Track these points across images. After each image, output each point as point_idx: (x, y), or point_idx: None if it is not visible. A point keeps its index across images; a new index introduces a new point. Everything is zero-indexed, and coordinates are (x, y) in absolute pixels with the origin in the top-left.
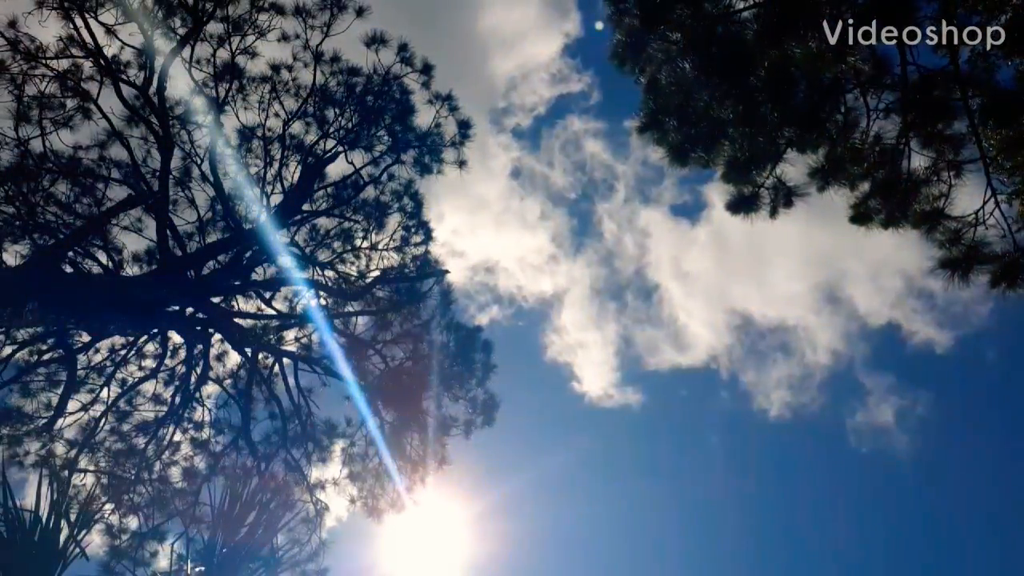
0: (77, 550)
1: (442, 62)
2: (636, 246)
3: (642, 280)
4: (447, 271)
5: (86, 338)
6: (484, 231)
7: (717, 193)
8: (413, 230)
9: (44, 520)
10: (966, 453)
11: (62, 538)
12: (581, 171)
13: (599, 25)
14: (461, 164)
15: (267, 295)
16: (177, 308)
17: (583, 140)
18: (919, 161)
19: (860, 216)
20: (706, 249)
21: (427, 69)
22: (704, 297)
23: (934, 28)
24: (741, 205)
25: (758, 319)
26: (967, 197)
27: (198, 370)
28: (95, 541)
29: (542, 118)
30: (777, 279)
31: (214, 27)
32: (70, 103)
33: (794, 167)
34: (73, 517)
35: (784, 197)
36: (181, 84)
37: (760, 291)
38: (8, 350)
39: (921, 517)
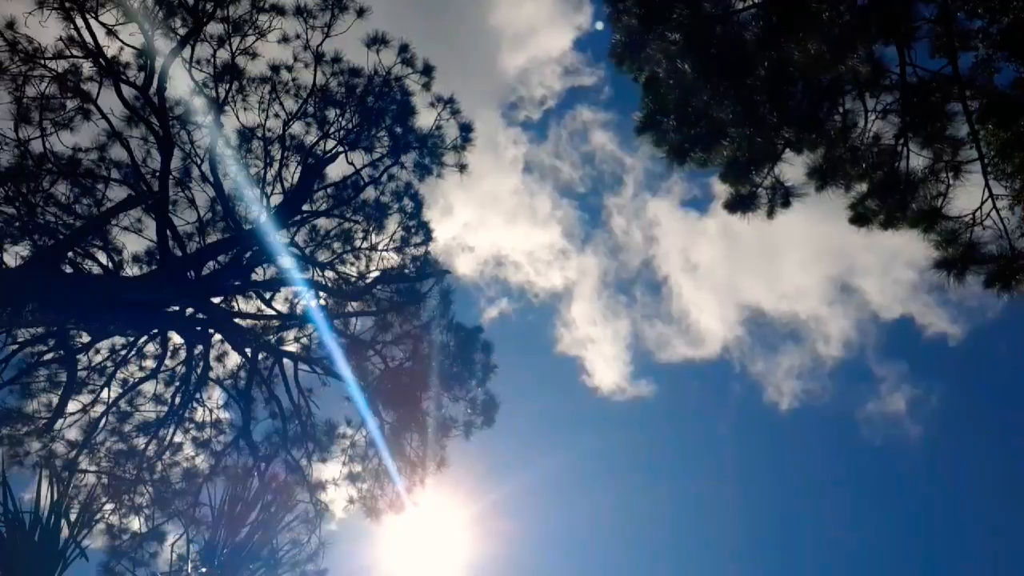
0: (77, 550)
1: (452, 55)
2: (646, 239)
3: (653, 273)
4: (447, 271)
5: (86, 338)
6: (494, 225)
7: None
8: (413, 231)
9: (44, 520)
10: (979, 448)
11: (62, 538)
12: (591, 164)
13: (599, 25)
14: (462, 168)
15: (267, 295)
16: (177, 308)
17: (594, 133)
18: (917, 162)
19: (859, 216)
20: (717, 241)
21: (428, 70)
22: (715, 289)
23: (933, 30)
24: (739, 204)
25: (770, 312)
26: (965, 197)
27: (198, 370)
28: (95, 542)
29: (552, 111)
30: (789, 271)
31: (214, 27)
32: (70, 104)
33: (793, 167)
34: (73, 517)
35: (782, 197)
36: (181, 84)
37: (772, 284)
38: (8, 350)
39: (931, 508)
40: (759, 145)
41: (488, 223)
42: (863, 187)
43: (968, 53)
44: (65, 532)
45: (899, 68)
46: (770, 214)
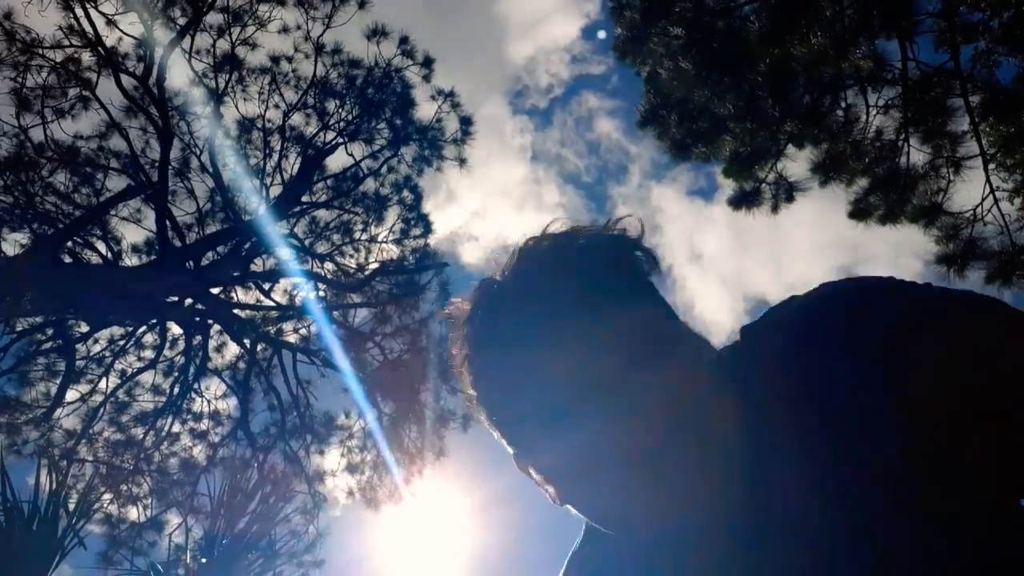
0: (75, 540)
1: (459, 44)
2: (651, 228)
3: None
4: (446, 264)
5: (85, 328)
6: (501, 213)
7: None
8: (412, 223)
9: (42, 510)
10: None
11: (60, 527)
12: (597, 153)
13: (601, 33)
14: (462, 162)
15: (266, 286)
16: (176, 299)
17: (601, 121)
18: (918, 157)
19: (860, 211)
20: (722, 230)
21: (428, 62)
22: (721, 279)
23: (936, 24)
24: (743, 200)
25: (777, 302)
26: (965, 193)
27: (197, 361)
28: (93, 531)
29: (559, 100)
30: (796, 261)
31: (214, 17)
32: (70, 92)
33: (795, 162)
34: (72, 507)
35: (785, 192)
36: (180, 74)
37: (779, 274)
38: (7, 339)
39: None
40: (761, 140)
41: (495, 211)
42: (865, 182)
43: (970, 46)
44: (63, 521)
45: (901, 63)
46: (774, 209)
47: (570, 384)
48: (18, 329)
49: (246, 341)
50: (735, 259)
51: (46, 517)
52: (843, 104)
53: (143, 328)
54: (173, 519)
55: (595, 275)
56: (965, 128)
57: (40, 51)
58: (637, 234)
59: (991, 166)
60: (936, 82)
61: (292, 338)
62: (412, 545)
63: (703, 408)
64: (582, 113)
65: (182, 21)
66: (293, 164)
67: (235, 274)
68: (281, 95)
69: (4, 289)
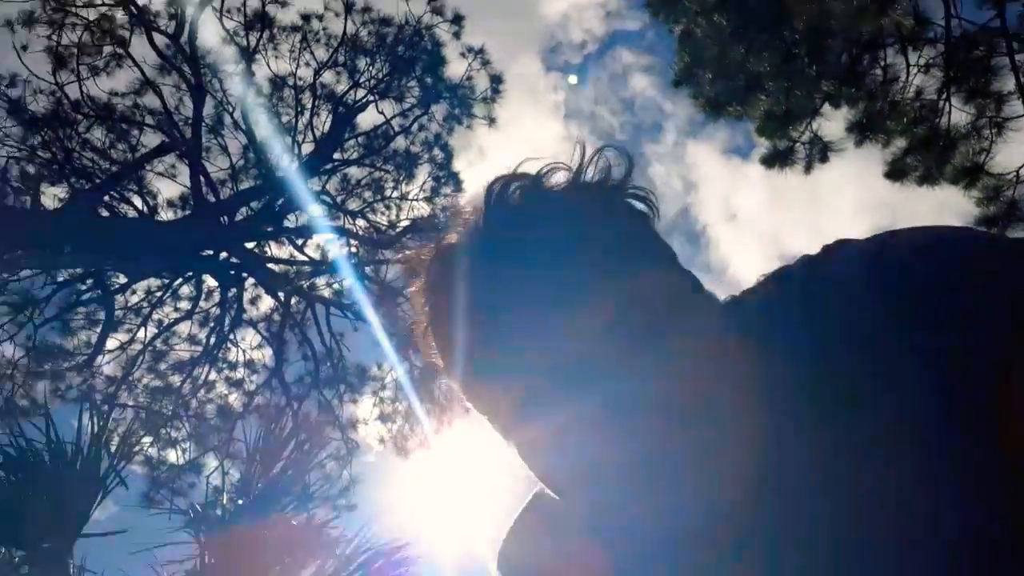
0: (117, 479)
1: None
2: (686, 185)
3: (692, 222)
4: None
5: (123, 279)
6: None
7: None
8: (443, 180)
9: (85, 451)
10: None
11: (103, 468)
12: (631, 110)
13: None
14: (491, 121)
15: (299, 241)
16: (211, 252)
17: (635, 78)
18: (960, 117)
19: (897, 172)
20: (759, 189)
21: (458, 19)
22: (757, 239)
23: None
24: (776, 159)
25: None
26: (1008, 154)
27: (232, 312)
28: (135, 471)
29: (593, 56)
30: (833, 221)
31: None
32: (105, 50)
33: (830, 122)
34: (113, 449)
35: (820, 152)
36: (212, 33)
37: (816, 234)
38: (49, 289)
39: None
40: (796, 99)
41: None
42: (903, 142)
43: (1017, 3)
44: (105, 462)
45: (944, 20)
46: (808, 169)
47: (550, 371)
48: (59, 280)
49: (280, 294)
50: (771, 218)
51: (88, 458)
52: (882, 63)
53: (179, 280)
54: (211, 462)
55: (584, 230)
56: (1011, 88)
57: (74, 9)
58: (624, 171)
59: None
60: (980, 40)
61: (325, 292)
62: (443, 490)
63: (717, 397)
64: (616, 69)
65: None
66: (324, 121)
67: (268, 229)
68: (312, 53)
69: (44, 241)
